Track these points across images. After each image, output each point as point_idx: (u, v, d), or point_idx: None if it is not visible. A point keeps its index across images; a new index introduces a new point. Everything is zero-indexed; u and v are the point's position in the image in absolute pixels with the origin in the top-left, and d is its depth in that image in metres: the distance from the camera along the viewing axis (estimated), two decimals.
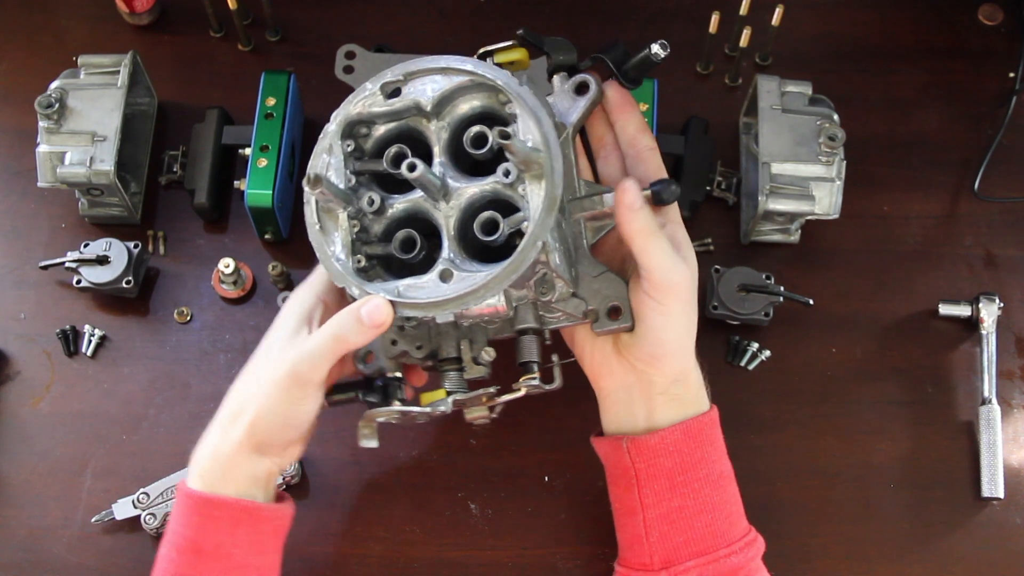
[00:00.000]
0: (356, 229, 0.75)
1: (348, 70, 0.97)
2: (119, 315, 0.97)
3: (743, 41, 1.00)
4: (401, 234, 0.74)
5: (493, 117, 0.75)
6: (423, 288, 0.71)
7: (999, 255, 1.01)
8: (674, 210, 0.77)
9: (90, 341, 0.96)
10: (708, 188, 1.00)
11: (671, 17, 1.10)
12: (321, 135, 0.76)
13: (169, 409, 0.93)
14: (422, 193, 0.74)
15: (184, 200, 1.00)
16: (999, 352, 0.95)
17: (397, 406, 0.76)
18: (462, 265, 0.72)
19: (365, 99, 0.76)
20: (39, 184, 0.94)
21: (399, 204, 0.75)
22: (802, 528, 0.90)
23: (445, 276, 0.71)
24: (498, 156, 0.73)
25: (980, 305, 0.96)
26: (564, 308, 0.75)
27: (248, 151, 0.95)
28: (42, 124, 0.93)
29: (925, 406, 0.95)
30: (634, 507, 0.76)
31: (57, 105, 0.93)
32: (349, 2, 1.10)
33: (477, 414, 0.78)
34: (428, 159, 0.73)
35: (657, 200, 0.75)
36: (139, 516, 0.87)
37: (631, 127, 0.78)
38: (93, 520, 0.88)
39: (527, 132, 0.71)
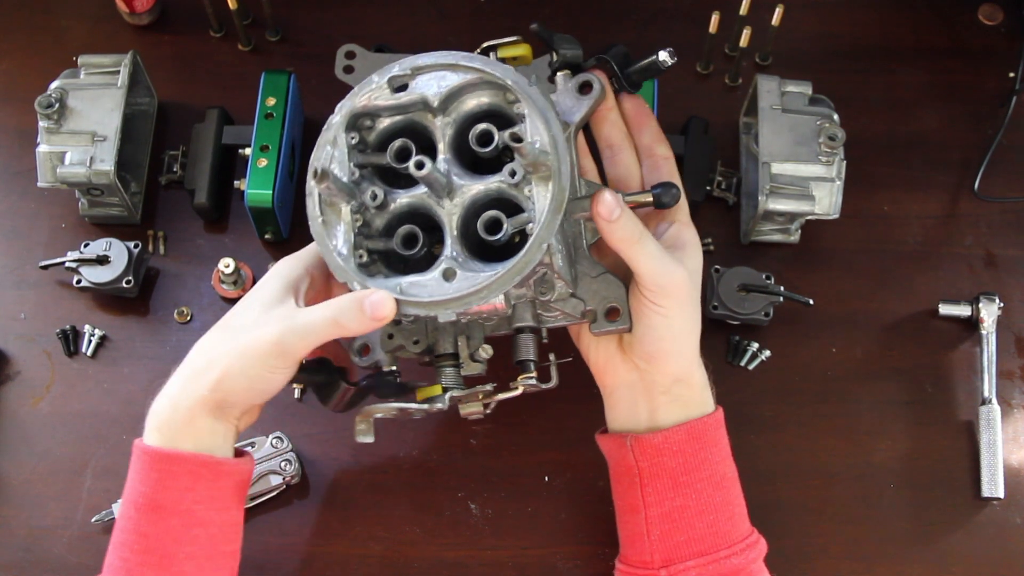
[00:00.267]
0: (359, 223, 0.74)
1: (348, 70, 0.97)
2: (119, 315, 0.97)
3: (743, 41, 1.00)
4: (403, 230, 0.73)
5: (499, 115, 0.74)
6: (425, 287, 0.71)
7: (999, 255, 1.01)
8: (681, 211, 0.77)
9: (90, 341, 0.96)
10: (708, 188, 1.00)
11: (671, 17, 1.10)
12: (325, 126, 0.76)
13: None
14: (425, 189, 0.74)
15: (184, 200, 1.00)
16: (999, 352, 0.95)
17: (394, 402, 0.75)
18: (465, 264, 0.71)
19: (371, 92, 0.75)
20: (39, 184, 0.94)
21: (402, 199, 0.75)
22: (802, 528, 0.90)
23: (448, 275, 0.71)
24: (501, 154, 0.73)
25: (980, 305, 0.96)
26: (562, 308, 0.75)
27: (248, 151, 0.95)
28: (42, 124, 0.93)
29: (925, 406, 0.95)
30: (636, 505, 0.76)
31: (57, 105, 0.93)
32: (349, 2, 1.10)
33: (471, 409, 0.78)
34: (431, 153, 0.73)
35: (658, 204, 0.75)
36: None
37: (647, 137, 0.80)
38: (93, 520, 0.88)
39: (535, 133, 0.71)
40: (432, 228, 0.74)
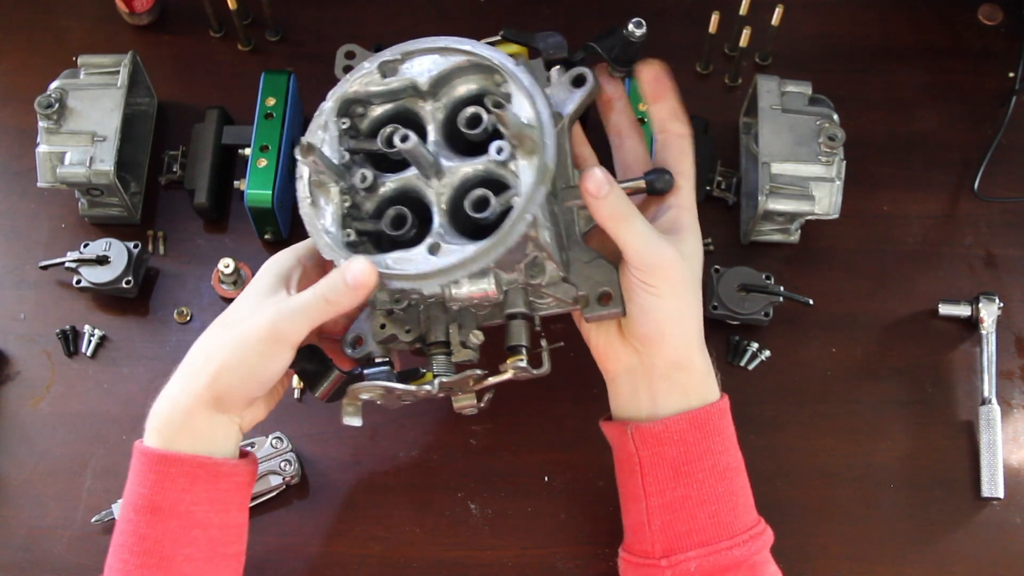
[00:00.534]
0: (347, 204, 0.74)
1: (348, 70, 0.97)
2: (119, 315, 0.97)
3: (743, 41, 1.00)
4: (392, 211, 0.73)
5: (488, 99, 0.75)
6: (412, 261, 0.71)
7: (999, 255, 1.01)
8: (684, 194, 0.76)
9: (90, 341, 0.96)
10: (708, 188, 1.00)
11: (671, 17, 1.10)
12: (317, 112, 0.76)
13: None
14: (415, 171, 0.74)
15: (184, 200, 1.00)
16: (999, 352, 0.95)
17: (381, 382, 0.75)
18: (452, 240, 0.71)
19: (362, 78, 0.76)
20: (39, 184, 0.94)
21: (391, 183, 0.75)
22: (802, 528, 0.90)
23: (434, 249, 0.71)
24: (491, 138, 0.73)
25: (980, 305, 0.96)
26: (554, 293, 0.75)
27: (248, 151, 0.95)
28: (42, 124, 0.93)
29: (925, 406, 0.95)
30: (637, 494, 0.76)
31: (57, 105, 0.93)
32: (349, 2, 1.10)
33: (465, 403, 0.77)
34: (423, 140, 0.73)
35: (651, 190, 0.75)
36: None
37: (663, 112, 0.78)
38: (93, 520, 0.88)
39: (520, 109, 0.71)
40: (424, 215, 0.74)
